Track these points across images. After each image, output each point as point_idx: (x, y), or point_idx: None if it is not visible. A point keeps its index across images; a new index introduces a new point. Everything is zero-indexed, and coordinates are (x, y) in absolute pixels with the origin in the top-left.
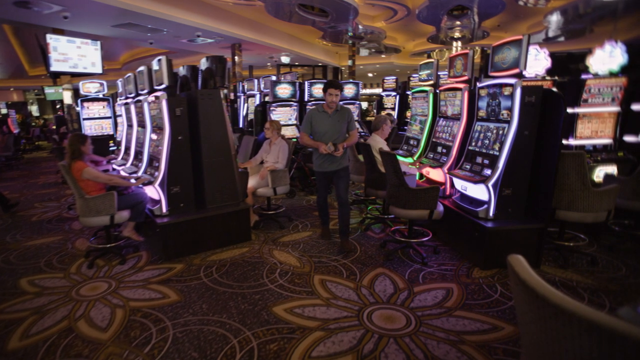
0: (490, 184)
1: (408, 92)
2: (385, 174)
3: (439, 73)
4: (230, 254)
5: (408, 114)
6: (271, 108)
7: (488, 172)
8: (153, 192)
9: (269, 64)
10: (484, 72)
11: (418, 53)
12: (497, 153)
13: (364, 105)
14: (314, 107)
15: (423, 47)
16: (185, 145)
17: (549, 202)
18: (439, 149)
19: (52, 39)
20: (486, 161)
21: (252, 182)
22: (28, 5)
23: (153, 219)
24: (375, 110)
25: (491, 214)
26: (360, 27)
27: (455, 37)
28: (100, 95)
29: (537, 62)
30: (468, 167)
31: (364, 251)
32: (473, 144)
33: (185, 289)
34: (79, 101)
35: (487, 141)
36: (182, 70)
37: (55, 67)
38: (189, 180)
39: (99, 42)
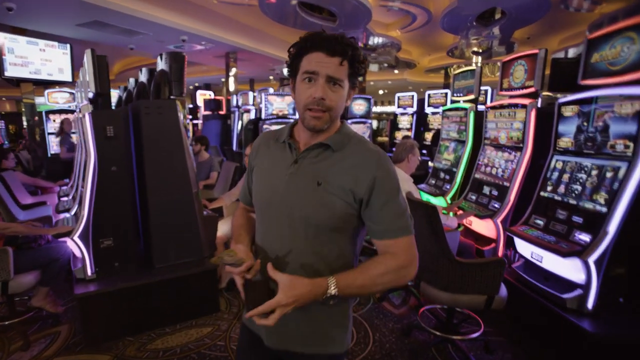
0: (591, 259)
1: (427, 111)
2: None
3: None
4: (183, 339)
5: (427, 135)
6: (264, 126)
7: (584, 237)
8: (75, 246)
9: (271, 77)
10: (554, 82)
11: (434, 69)
12: (604, 208)
13: (375, 124)
14: (267, 131)
15: (440, 62)
16: (123, 179)
17: None
18: (486, 189)
19: (7, 39)
20: (577, 218)
21: (223, 229)
22: None
23: (72, 285)
24: (388, 130)
25: (590, 305)
26: (372, 35)
27: (476, 50)
28: (71, 107)
29: None
30: (541, 223)
31: (379, 342)
32: (549, 188)
33: None
34: (43, 113)
35: (577, 186)
36: (141, 76)
37: (11, 72)
38: (127, 228)
39: (68, 45)
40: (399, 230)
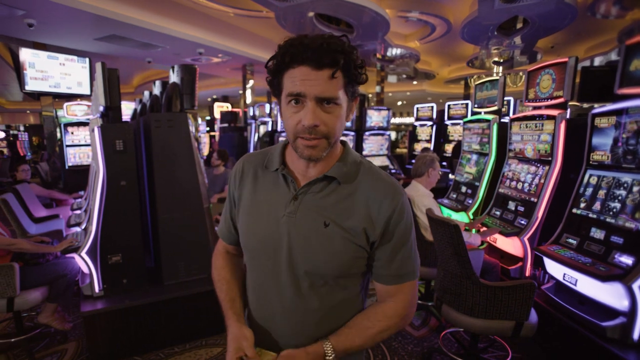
0: (637, 285)
1: (447, 122)
2: (432, 245)
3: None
4: (192, 359)
5: (447, 147)
6: (280, 138)
7: (625, 259)
8: (82, 262)
9: None
10: (584, 91)
11: (453, 80)
12: None
13: (393, 135)
14: (251, 154)
15: (460, 73)
16: (132, 194)
17: None
18: (511, 204)
19: (29, 54)
20: (617, 239)
21: None
22: None
23: (80, 302)
24: (407, 142)
25: (636, 335)
26: (391, 46)
27: (497, 61)
28: (89, 120)
29: None
30: (574, 242)
31: None
32: (582, 205)
33: None
34: (61, 125)
35: (616, 204)
36: (155, 88)
37: (31, 86)
38: (136, 244)
39: (87, 59)
40: (408, 274)
